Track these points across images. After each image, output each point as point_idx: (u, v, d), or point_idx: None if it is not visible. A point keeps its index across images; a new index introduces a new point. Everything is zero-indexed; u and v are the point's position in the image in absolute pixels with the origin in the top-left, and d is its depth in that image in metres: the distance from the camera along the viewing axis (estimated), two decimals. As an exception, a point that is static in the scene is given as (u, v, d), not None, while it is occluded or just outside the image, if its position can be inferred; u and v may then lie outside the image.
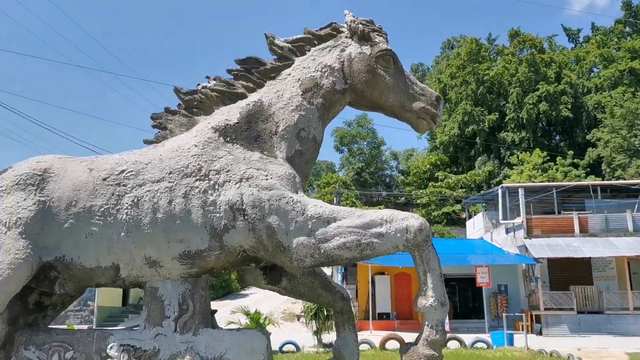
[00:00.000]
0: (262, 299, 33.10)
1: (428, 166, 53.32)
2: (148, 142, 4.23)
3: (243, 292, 42.27)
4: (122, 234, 3.72)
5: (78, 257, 3.78)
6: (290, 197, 3.74)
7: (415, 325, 28.88)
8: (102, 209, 3.76)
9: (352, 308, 4.46)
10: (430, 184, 51.13)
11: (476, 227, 37.44)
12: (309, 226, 3.67)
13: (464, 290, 32.87)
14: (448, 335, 21.97)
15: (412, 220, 3.67)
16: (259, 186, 3.76)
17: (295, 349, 19.32)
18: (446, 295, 3.70)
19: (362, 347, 19.93)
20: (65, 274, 3.86)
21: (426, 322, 3.68)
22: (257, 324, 19.24)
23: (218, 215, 3.73)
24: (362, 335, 23.57)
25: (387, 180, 63.70)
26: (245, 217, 3.70)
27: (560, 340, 23.12)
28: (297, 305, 34.76)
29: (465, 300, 33.03)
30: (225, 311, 20.65)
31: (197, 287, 3.88)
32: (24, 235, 3.66)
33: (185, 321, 3.79)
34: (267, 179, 3.79)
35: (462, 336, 20.93)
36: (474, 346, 19.53)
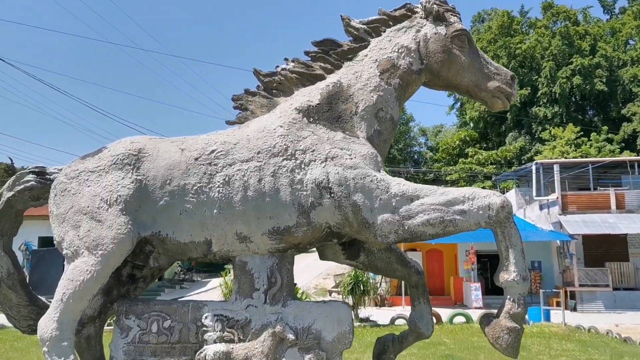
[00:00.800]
0: (295, 273, 33.45)
1: (457, 142, 52.90)
2: (230, 123, 4.39)
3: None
4: (215, 211, 3.91)
5: (173, 233, 3.98)
6: (374, 176, 3.87)
7: (447, 300, 29.08)
8: (195, 187, 3.94)
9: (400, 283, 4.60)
10: (459, 160, 50.77)
11: (508, 203, 37.15)
12: (393, 204, 3.81)
13: (496, 266, 32.75)
14: (483, 310, 22.15)
15: (494, 197, 3.78)
16: (344, 165, 3.90)
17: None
18: (527, 270, 3.81)
19: (399, 321, 20.23)
20: (160, 248, 4.08)
21: (508, 296, 3.81)
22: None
23: (305, 193, 3.89)
24: (395, 311, 23.88)
25: (416, 156, 63.44)
26: (332, 195, 3.86)
27: (595, 317, 23.09)
28: (329, 281, 35.16)
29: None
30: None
31: (284, 261, 4.07)
32: (124, 212, 3.87)
33: (274, 293, 3.98)
34: (351, 158, 3.93)
35: (498, 312, 21.03)
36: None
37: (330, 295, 31.67)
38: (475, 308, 25.52)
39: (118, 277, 4.34)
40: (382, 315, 21.88)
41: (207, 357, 3.84)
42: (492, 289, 31.85)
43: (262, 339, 3.86)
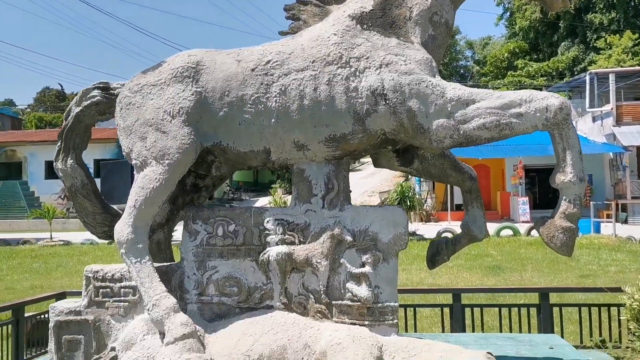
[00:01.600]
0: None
1: (506, 54, 51.00)
2: (283, 34, 4.41)
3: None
4: (273, 120, 4.02)
5: (233, 143, 4.14)
6: (430, 81, 3.88)
7: (493, 215, 29.11)
8: (253, 97, 4.04)
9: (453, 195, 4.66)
10: (508, 73, 49.11)
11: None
12: (449, 108, 3.83)
13: (544, 180, 32.50)
14: (531, 224, 22.15)
15: (552, 99, 3.75)
16: (399, 71, 3.91)
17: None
18: (585, 172, 3.83)
19: (446, 234, 20.51)
20: (221, 157, 4.26)
21: (563, 197, 3.85)
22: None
23: (360, 100, 3.94)
24: (441, 225, 24.14)
25: (462, 71, 61.62)
26: (387, 102, 3.90)
27: (647, 229, 22.83)
28: (374, 198, 35.58)
29: (545, 190, 32.68)
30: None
31: (340, 168, 4.19)
32: (186, 123, 4.03)
33: (332, 198, 4.14)
34: (405, 64, 3.93)
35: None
36: (559, 234, 19.67)
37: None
38: (523, 222, 25.51)
39: (182, 186, 4.56)
40: (428, 229, 22.20)
41: (270, 258, 4.08)
42: (539, 204, 31.74)
43: (322, 240, 4.06)
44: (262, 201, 34.43)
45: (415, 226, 21.65)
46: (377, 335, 3.91)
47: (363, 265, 4.03)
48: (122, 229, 4.03)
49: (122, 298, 4.13)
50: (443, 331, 6.69)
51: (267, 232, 4.16)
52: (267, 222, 4.17)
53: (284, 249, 4.08)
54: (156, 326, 3.88)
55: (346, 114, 3.97)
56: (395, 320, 4.03)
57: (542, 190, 33.02)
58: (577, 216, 3.84)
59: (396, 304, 4.05)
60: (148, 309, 3.88)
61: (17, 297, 10.56)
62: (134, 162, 4.13)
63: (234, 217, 4.22)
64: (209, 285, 4.19)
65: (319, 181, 4.17)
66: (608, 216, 22.95)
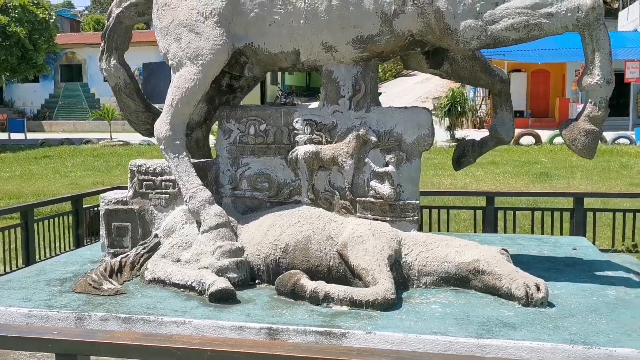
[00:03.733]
0: (392, 98, 33.46)
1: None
2: None
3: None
4: (302, 21, 4.09)
5: (264, 44, 4.25)
6: None
7: (551, 122, 28.35)
8: None
9: (509, 92, 4.66)
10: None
11: (630, 17, 33.90)
12: (477, 8, 3.79)
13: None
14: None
15: None
16: None
17: (429, 143, 20.08)
18: (613, 74, 3.78)
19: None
20: (253, 59, 4.39)
21: (589, 100, 3.84)
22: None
23: (388, 1, 3.93)
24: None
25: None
26: (415, 2, 3.88)
27: None
28: (427, 104, 35.06)
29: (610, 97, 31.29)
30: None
31: (368, 70, 4.26)
32: (219, 24, 4.15)
33: (359, 100, 4.25)
34: None
35: (605, 133, 20.40)
36: (616, 142, 19.11)
37: (429, 117, 31.79)
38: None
39: (218, 87, 4.76)
40: (479, 135, 21.88)
41: (298, 156, 4.29)
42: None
43: (347, 140, 4.22)
44: (314, 105, 34.53)
45: (466, 132, 21.38)
46: (397, 230, 4.14)
47: (387, 164, 4.20)
48: (161, 126, 4.30)
49: (163, 190, 4.48)
50: (475, 232, 6.88)
51: (296, 131, 4.34)
52: (296, 122, 4.35)
53: (311, 147, 4.28)
54: (193, 216, 4.23)
55: (374, 15, 3.99)
56: (416, 217, 4.23)
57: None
58: (602, 119, 3.83)
59: (417, 202, 4.23)
60: (185, 201, 4.21)
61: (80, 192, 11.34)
62: (170, 62, 4.33)
63: (265, 116, 4.41)
64: (242, 180, 4.47)
65: (346, 83, 4.27)
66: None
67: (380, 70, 41.41)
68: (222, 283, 3.72)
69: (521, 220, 7.65)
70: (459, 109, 19.78)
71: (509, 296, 3.67)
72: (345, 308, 3.59)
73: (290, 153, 4.33)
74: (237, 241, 4.13)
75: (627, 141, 19.06)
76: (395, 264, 3.97)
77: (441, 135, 20.83)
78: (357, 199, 4.28)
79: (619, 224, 6.57)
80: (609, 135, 19.90)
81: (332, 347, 3.03)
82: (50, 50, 27.61)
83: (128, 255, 4.35)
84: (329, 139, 4.30)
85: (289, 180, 4.40)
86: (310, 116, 4.34)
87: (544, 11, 3.70)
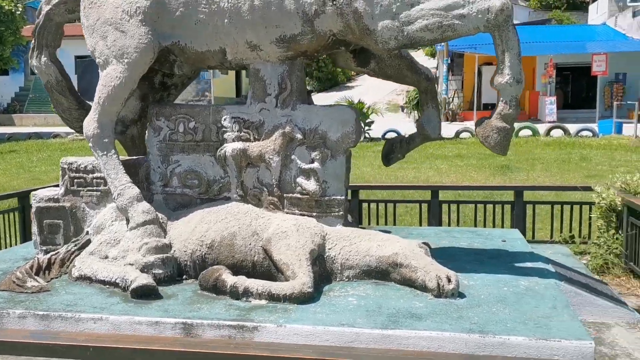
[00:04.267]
0: (366, 91, 33.75)
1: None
2: None
3: (349, 84, 43.14)
4: (226, 20, 4.15)
5: (191, 42, 4.31)
6: None
7: (520, 115, 28.72)
8: None
9: (441, 94, 4.79)
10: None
11: (600, 11, 34.44)
12: (393, 9, 3.89)
13: (577, 79, 31.59)
14: (554, 124, 21.91)
15: (494, 0, 3.77)
16: None
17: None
18: (522, 74, 3.91)
19: (464, 134, 20.52)
20: (181, 57, 4.45)
21: (501, 98, 3.97)
22: (360, 113, 20.14)
23: (309, 1, 4.02)
24: (464, 125, 23.97)
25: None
26: (334, 3, 3.97)
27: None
28: (402, 97, 35.26)
29: (578, 90, 31.86)
30: (331, 102, 21.68)
31: (294, 68, 4.35)
32: (144, 23, 4.21)
33: (285, 98, 4.34)
34: None
35: (570, 126, 20.79)
36: (579, 134, 19.47)
37: (402, 111, 32.00)
38: (549, 122, 25.13)
39: (151, 84, 4.81)
40: (448, 129, 22.12)
41: (226, 153, 4.37)
42: (572, 104, 31.05)
43: (274, 138, 4.31)
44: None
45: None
46: (323, 225, 4.25)
47: (312, 161, 4.30)
48: (89, 124, 4.35)
49: (95, 188, 4.53)
50: (420, 226, 7.03)
51: (224, 129, 4.42)
52: (225, 119, 4.42)
53: (239, 145, 4.36)
54: (121, 213, 4.29)
55: (295, 15, 4.07)
56: (341, 212, 4.34)
57: (574, 89, 32.19)
58: (513, 117, 3.97)
59: (342, 198, 4.34)
60: (114, 198, 4.27)
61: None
62: (97, 60, 4.37)
63: (194, 114, 4.48)
64: (173, 177, 4.54)
65: (272, 81, 4.35)
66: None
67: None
68: (143, 279, 3.79)
69: (467, 213, 7.83)
70: (427, 103, 19.88)
71: (424, 288, 3.80)
72: (263, 302, 3.69)
73: (218, 150, 4.41)
74: (165, 238, 4.21)
75: (590, 134, 19.42)
76: (319, 258, 4.08)
77: (411, 129, 20.96)
78: (285, 195, 4.37)
79: (567, 216, 6.73)
80: (573, 127, 20.26)
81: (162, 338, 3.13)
82: (17, 43, 27.18)
83: (58, 252, 4.40)
84: (256, 137, 4.38)
85: (218, 177, 4.48)
86: (238, 114, 4.42)
87: (456, 13, 3.82)
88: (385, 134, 20.53)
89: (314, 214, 4.32)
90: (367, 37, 4.02)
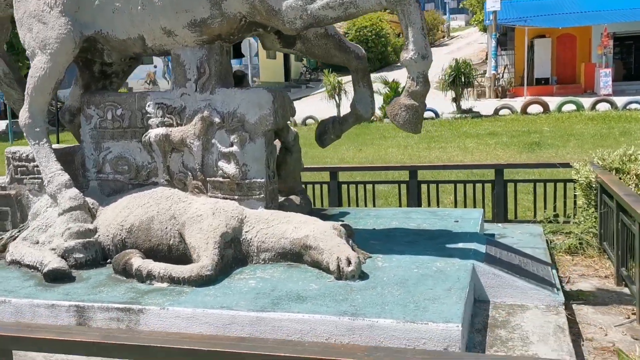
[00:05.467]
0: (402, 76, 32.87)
1: None
2: None
3: (399, 64, 42.35)
4: (139, 7, 4.20)
5: (112, 31, 4.39)
6: None
7: (576, 89, 27.39)
8: None
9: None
10: None
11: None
12: None
13: (641, 49, 29.82)
14: (601, 97, 20.75)
15: None
16: None
17: (434, 116, 19.83)
18: (428, 49, 3.74)
19: (503, 111, 19.80)
20: (107, 45, 4.54)
21: (408, 75, 3.83)
22: (395, 92, 19.85)
23: None
24: (505, 101, 22.99)
25: None
26: (238, -16, 3.94)
27: None
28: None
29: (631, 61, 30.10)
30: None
31: (212, 53, 4.34)
32: (63, 14, 4.31)
33: (204, 82, 4.35)
34: None
35: (617, 98, 19.66)
36: (627, 108, 18.40)
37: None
38: (605, 95, 23.83)
39: (92, 74, 4.93)
40: (486, 106, 21.44)
41: (151, 139, 4.44)
42: (634, 75, 29.32)
43: (194, 122, 4.34)
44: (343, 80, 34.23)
45: (471, 103, 20.91)
46: (244, 208, 4.25)
47: (232, 144, 4.30)
48: (22, 114, 4.52)
49: (36, 176, 4.72)
50: (400, 206, 6.89)
51: (148, 115, 4.49)
52: (149, 105, 4.49)
53: (162, 130, 4.42)
54: (52, 200, 4.45)
55: None
56: (262, 195, 4.32)
57: (639, 60, 30.41)
58: (421, 93, 3.81)
59: (263, 180, 4.31)
60: (45, 185, 4.44)
61: None
62: (27, 52, 4.52)
63: (121, 101, 4.57)
64: (105, 164, 4.66)
65: (192, 66, 4.37)
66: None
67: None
68: (55, 263, 3.94)
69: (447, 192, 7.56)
70: (463, 80, 19.31)
71: (328, 270, 3.75)
72: (165, 285, 3.75)
73: (143, 136, 4.49)
74: (91, 223, 4.34)
75: (638, 106, 18.28)
76: (235, 241, 4.09)
77: (447, 107, 20.50)
78: (208, 178, 4.40)
79: (556, 195, 6.41)
80: (621, 100, 19.15)
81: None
82: None
83: (2, 237, 4.62)
84: (179, 122, 4.42)
85: (145, 163, 4.56)
86: (161, 100, 4.47)
87: None
88: (422, 113, 20.14)
89: (236, 197, 4.33)
90: (274, 18, 3.96)
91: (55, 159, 4.45)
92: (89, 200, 4.45)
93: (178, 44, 4.34)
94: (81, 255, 4.16)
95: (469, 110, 19.84)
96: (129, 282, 3.86)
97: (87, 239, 4.23)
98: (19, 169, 4.75)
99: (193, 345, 2.24)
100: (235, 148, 4.27)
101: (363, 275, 3.67)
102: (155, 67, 33.07)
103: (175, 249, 4.13)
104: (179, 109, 4.42)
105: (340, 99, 21.00)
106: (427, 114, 19.93)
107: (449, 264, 3.88)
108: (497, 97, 27.24)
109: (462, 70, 19.36)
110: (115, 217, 4.31)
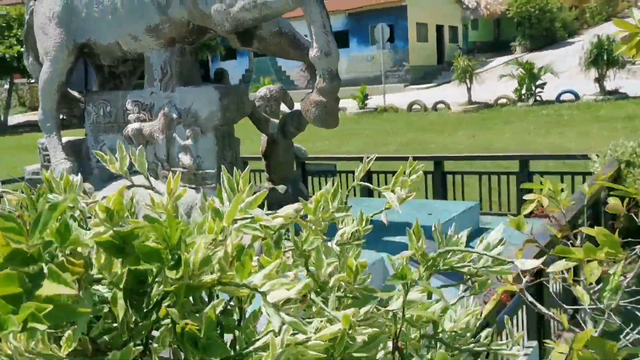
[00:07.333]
0: (564, 55, 30.03)
1: None
2: None
3: (570, 40, 38.76)
4: (110, 16, 4.77)
5: (98, 38, 5.02)
6: None
7: None
8: None
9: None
10: None
11: None
12: None
13: None
14: None
15: None
16: None
17: (574, 98, 18.29)
18: (331, 45, 3.79)
19: None
20: (98, 50, 5.20)
21: (316, 72, 3.91)
22: (530, 74, 18.69)
23: None
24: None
25: None
26: (176, -9, 4.31)
27: None
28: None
29: None
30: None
31: (173, 54, 4.78)
32: (59, 25, 5.04)
33: (166, 82, 4.80)
34: None
35: None
36: None
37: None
38: None
39: (103, 75, 5.65)
40: (636, 86, 19.11)
41: (129, 133, 5.02)
42: None
43: (159, 118, 4.83)
44: (499, 62, 32.71)
45: (616, 83, 18.78)
46: (198, 196, 4.66)
47: (187, 138, 4.71)
48: (38, 111, 5.38)
49: (57, 163, 5.56)
50: (427, 197, 6.77)
51: (128, 111, 5.07)
52: (128, 103, 5.06)
53: (136, 125, 4.97)
54: (57, 184, 5.24)
55: (151, 6, 4.50)
56: (214, 185, 4.68)
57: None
58: (328, 90, 3.88)
59: (214, 171, 4.67)
60: (52, 171, 5.24)
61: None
62: (40, 59, 5.35)
63: (110, 99, 5.21)
64: (102, 154, 5.34)
65: (157, 67, 4.85)
66: None
67: (587, 15, 37.74)
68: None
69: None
70: (605, 58, 17.44)
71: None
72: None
73: (123, 130, 5.08)
74: (82, 205, 5.04)
75: None
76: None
77: (589, 89, 18.71)
78: (172, 169, 4.86)
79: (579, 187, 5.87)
80: None
81: None
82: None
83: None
84: (150, 118, 4.94)
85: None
86: (138, 98, 5.02)
87: None
88: (560, 95, 18.69)
89: (193, 186, 4.75)
90: (208, 21, 4.28)
91: (62, 149, 5.24)
92: (87, 185, 5.16)
93: (145, 47, 4.84)
94: (67, 233, 4.88)
95: (615, 92, 17.94)
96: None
97: (75, 220, 4.94)
98: (45, 157, 5.65)
99: None
100: (189, 141, 4.68)
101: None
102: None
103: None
104: (149, 106, 4.94)
105: (471, 83, 20.23)
106: (565, 97, 18.50)
107: (367, 255, 3.90)
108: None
109: (605, 47, 17.53)
110: (97, 201, 4.98)
